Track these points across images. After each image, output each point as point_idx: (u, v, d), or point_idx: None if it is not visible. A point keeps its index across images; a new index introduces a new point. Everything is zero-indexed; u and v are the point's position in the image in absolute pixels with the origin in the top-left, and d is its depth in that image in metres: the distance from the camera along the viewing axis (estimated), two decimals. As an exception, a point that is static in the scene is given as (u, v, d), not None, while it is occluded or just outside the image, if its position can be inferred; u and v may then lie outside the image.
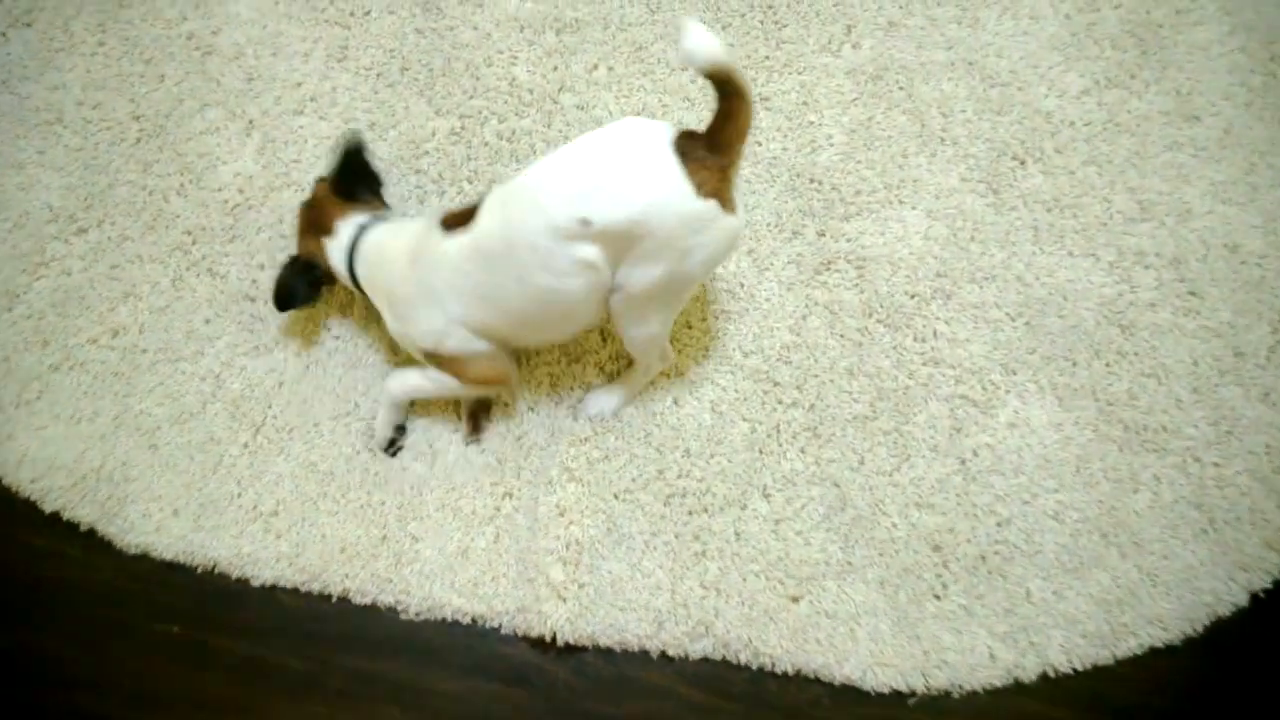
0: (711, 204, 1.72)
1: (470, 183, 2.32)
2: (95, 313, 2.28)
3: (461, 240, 1.86)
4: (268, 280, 2.27)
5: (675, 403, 2.20)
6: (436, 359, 2.04)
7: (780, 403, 2.20)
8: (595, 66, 2.38)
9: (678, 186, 1.69)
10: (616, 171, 1.69)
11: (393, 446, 2.16)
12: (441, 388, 2.10)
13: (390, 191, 2.32)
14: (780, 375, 2.22)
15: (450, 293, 1.91)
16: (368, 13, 2.43)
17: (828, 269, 2.28)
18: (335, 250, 2.10)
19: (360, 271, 2.08)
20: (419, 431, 2.22)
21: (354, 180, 2.16)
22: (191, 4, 2.44)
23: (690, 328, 2.24)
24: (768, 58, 2.39)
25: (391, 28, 2.41)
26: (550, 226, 1.71)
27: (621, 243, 1.73)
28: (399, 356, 2.19)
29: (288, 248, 2.30)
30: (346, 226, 2.10)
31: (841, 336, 2.24)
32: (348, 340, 2.26)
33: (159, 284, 2.29)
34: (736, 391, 2.21)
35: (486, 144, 2.37)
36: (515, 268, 1.79)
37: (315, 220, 2.13)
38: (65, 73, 2.41)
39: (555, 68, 2.39)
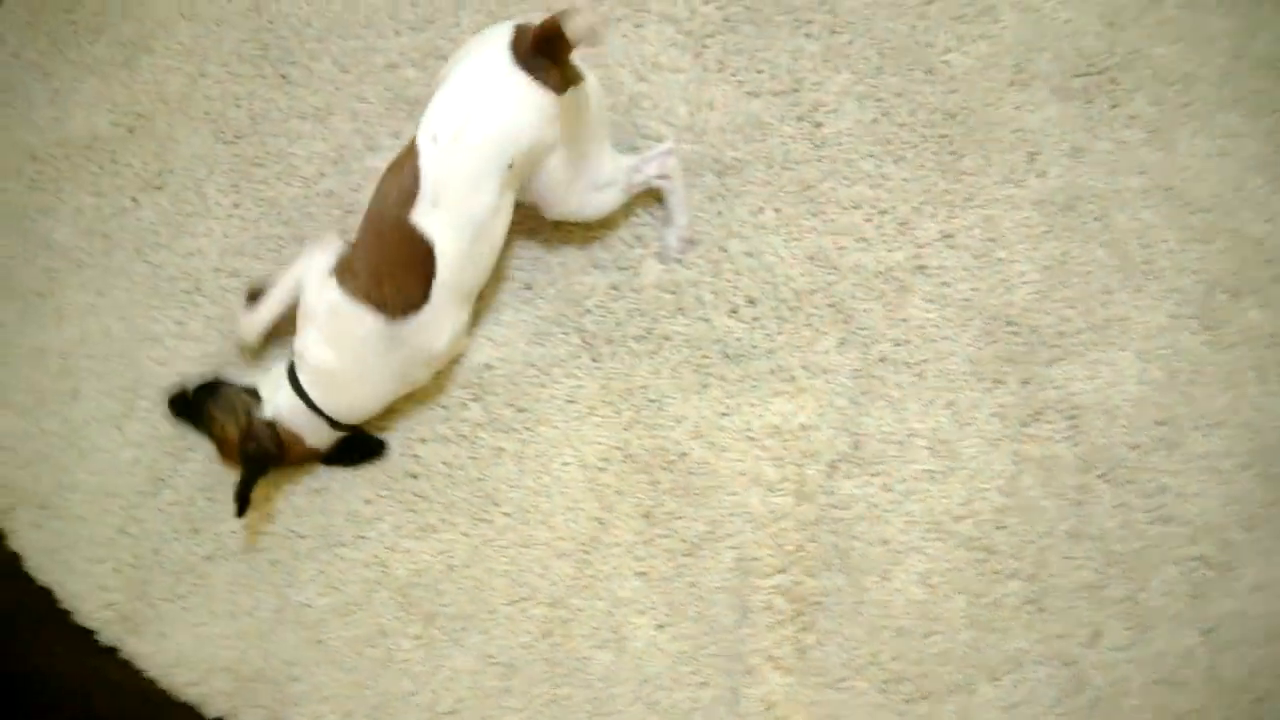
0: (550, 95, 1.83)
1: (638, 340, 2.10)
2: (248, 495, 2.06)
3: (441, 287, 1.91)
4: (429, 455, 2.08)
5: (883, 577, 1.96)
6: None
7: (998, 573, 1.98)
8: (761, 209, 2.19)
9: (536, 100, 1.82)
10: (481, 86, 1.83)
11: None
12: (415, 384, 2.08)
13: (550, 354, 2.19)
14: (995, 542, 1.99)
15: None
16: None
17: (1036, 420, 2.05)
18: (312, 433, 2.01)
19: (319, 389, 1.97)
20: (601, 617, 2.04)
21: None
22: (329, 160, 2.24)
23: (889, 490, 2.00)
24: (947, 191, 2.19)
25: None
26: (495, 193, 1.86)
27: (526, 164, 1.88)
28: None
29: (449, 418, 2.08)
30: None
31: (1059, 496, 2.01)
32: (518, 518, 2.04)
33: (312, 464, 2.07)
34: (948, 562, 1.99)
35: (650, 297, 2.19)
36: (485, 245, 1.93)
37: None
38: (200, 238, 2.23)
39: (719, 212, 2.19)
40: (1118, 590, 1.99)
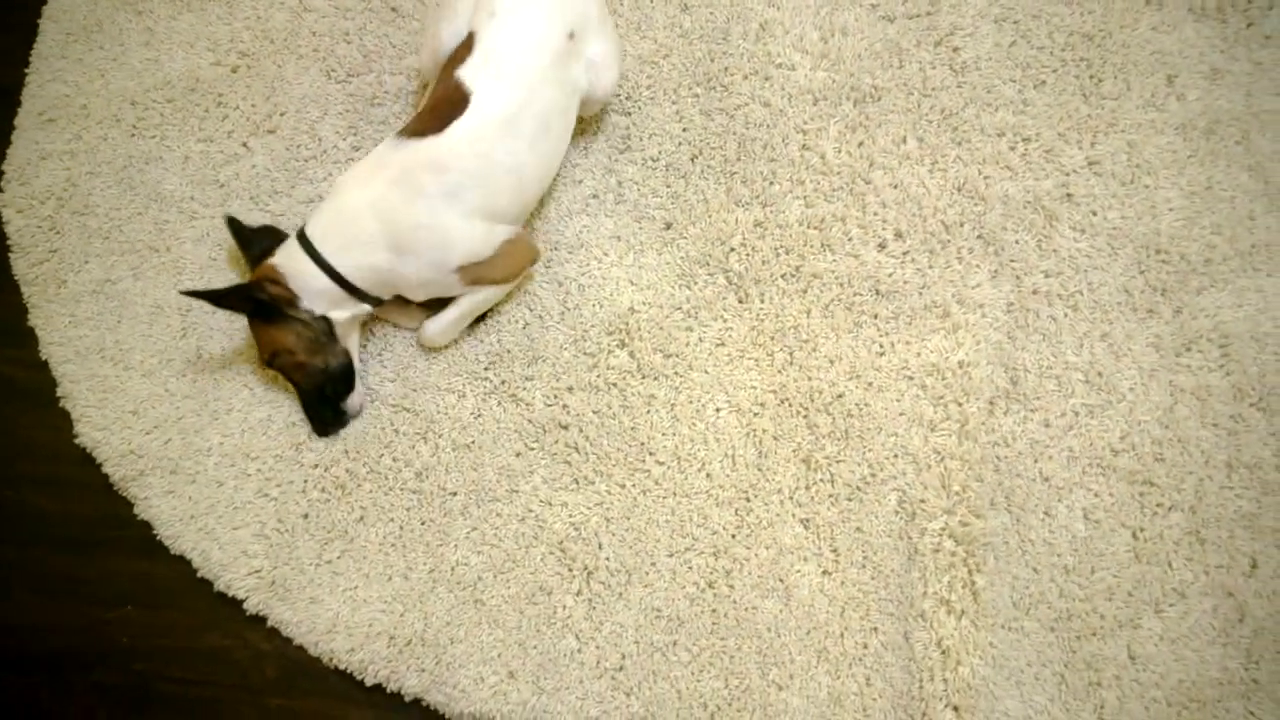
0: None
1: (786, 279, 1.97)
2: (395, 452, 1.92)
3: (465, 125, 1.76)
4: (578, 404, 1.94)
5: (1046, 514, 1.87)
6: (477, 273, 1.86)
7: (1159, 506, 1.90)
8: (904, 139, 2.04)
9: None
10: None
11: None
12: (483, 304, 1.96)
13: (697, 296, 2.06)
14: (1155, 474, 1.91)
15: (469, 185, 1.78)
16: (651, 98, 2.05)
17: (1189, 350, 1.96)
18: (310, 288, 1.82)
19: (350, 266, 1.80)
20: (765, 566, 1.93)
21: (257, 241, 1.89)
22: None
23: (1049, 426, 1.90)
24: (1089, 116, 2.06)
25: (676, 112, 2.05)
26: (553, 59, 1.81)
27: (581, 35, 1.86)
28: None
29: (596, 365, 1.95)
30: (291, 259, 1.81)
31: (1215, 426, 1.93)
32: (674, 467, 1.92)
33: (459, 418, 1.92)
34: (1110, 496, 1.90)
35: (795, 233, 2.06)
36: (531, 119, 1.81)
37: (271, 302, 1.81)
38: (319, 184, 2.05)
39: (860, 143, 2.04)
40: (1274, 519, 1.91)
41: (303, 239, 1.75)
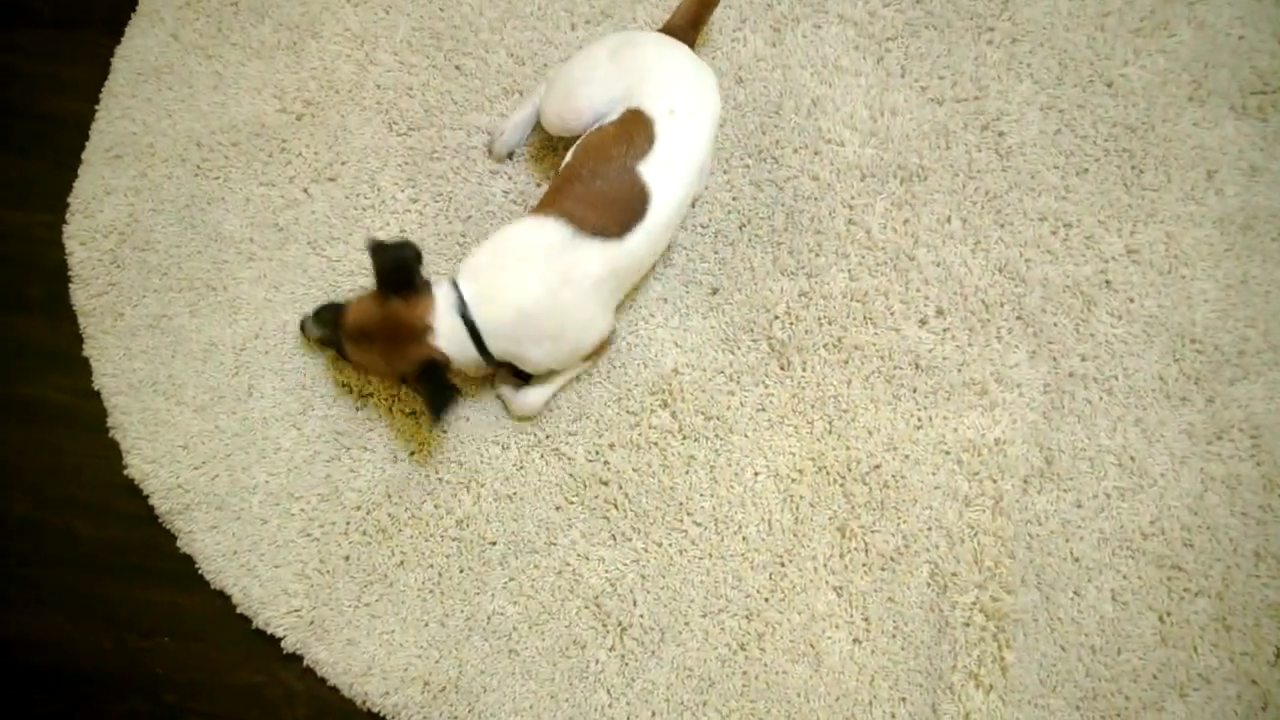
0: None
1: (828, 349, 1.97)
2: (437, 498, 1.92)
3: (645, 231, 1.79)
4: (619, 461, 1.94)
5: (1076, 593, 1.87)
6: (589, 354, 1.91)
7: (1187, 590, 1.90)
8: (948, 218, 2.05)
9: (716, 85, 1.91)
10: (695, 80, 1.87)
11: None
12: (568, 377, 1.99)
13: (740, 361, 2.06)
14: (1184, 560, 1.90)
15: (619, 285, 1.85)
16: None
17: (1220, 439, 1.96)
18: (448, 334, 1.76)
19: (492, 331, 1.77)
20: (797, 631, 1.94)
21: (401, 273, 1.76)
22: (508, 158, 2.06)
23: (1081, 506, 1.90)
24: (1130, 205, 2.08)
25: (726, 181, 2.07)
26: (706, 155, 1.88)
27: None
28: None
29: (638, 424, 1.95)
30: (441, 304, 1.76)
31: (1244, 514, 1.93)
32: (711, 528, 1.91)
33: (502, 469, 1.92)
34: (1140, 579, 1.90)
35: (839, 305, 2.08)
36: (679, 211, 1.85)
37: (398, 332, 1.76)
38: (376, 233, 2.04)
39: (906, 220, 2.06)
40: (1304, 610, 1.90)
41: (459, 294, 1.76)
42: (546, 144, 2.07)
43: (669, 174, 1.78)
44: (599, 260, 1.74)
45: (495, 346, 1.74)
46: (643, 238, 1.77)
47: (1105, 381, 2.00)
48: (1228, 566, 1.92)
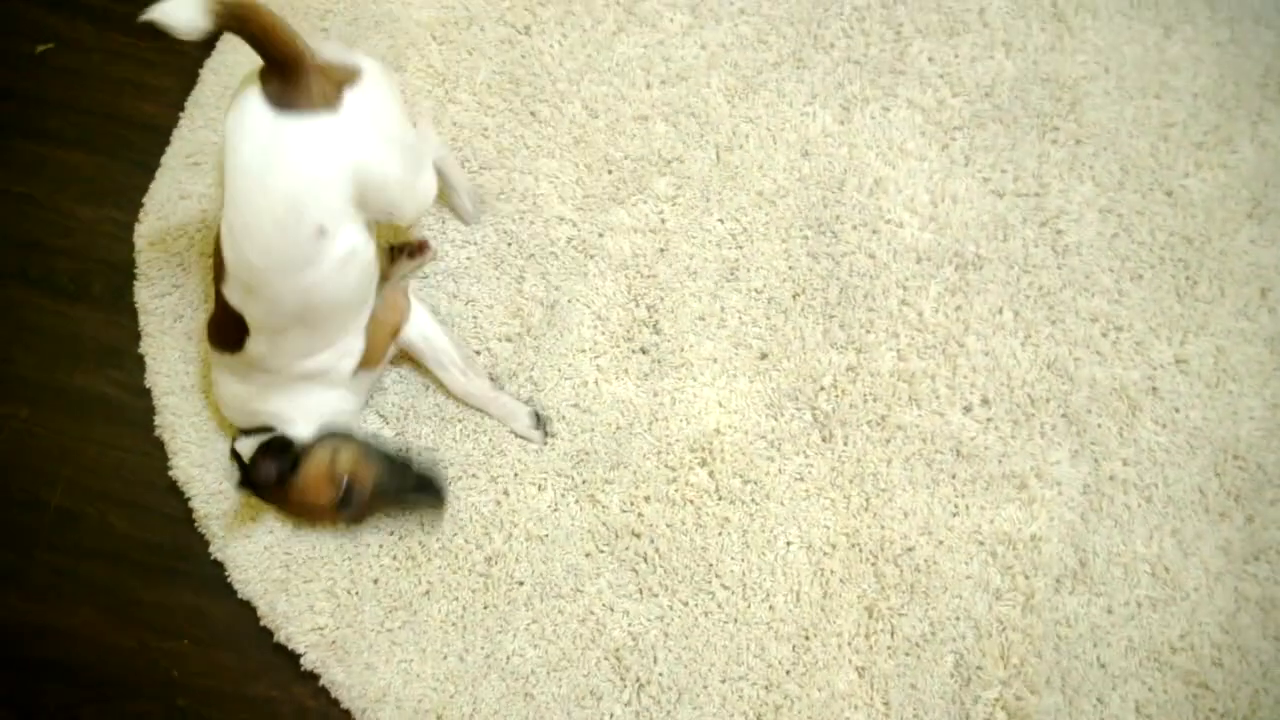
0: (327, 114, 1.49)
1: (871, 425, 1.91)
2: (468, 533, 1.86)
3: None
4: (653, 515, 1.88)
5: (1099, 700, 1.78)
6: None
7: (1213, 711, 1.80)
8: (1000, 309, 2.00)
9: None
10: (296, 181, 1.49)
11: None
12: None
13: (782, 428, 2.02)
14: (1212, 679, 1.82)
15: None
16: (763, 234, 2.04)
17: (1257, 559, 1.88)
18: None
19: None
20: (816, 708, 1.88)
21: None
22: (573, 204, 2.04)
23: (1111, 612, 1.82)
24: (1182, 315, 2.02)
25: (784, 250, 2.03)
26: (310, 247, 1.52)
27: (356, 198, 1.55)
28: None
29: (675, 479, 1.89)
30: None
31: (1276, 639, 1.86)
32: (738, 593, 1.84)
33: (536, 509, 1.87)
34: (1165, 693, 1.81)
35: (885, 383, 2.02)
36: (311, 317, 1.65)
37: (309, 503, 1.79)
38: (436, 265, 2.00)
39: (958, 306, 2.00)
40: (1330, 743, 1.81)
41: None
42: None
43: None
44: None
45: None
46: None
47: (1145, 488, 1.93)
48: (1256, 690, 1.85)
